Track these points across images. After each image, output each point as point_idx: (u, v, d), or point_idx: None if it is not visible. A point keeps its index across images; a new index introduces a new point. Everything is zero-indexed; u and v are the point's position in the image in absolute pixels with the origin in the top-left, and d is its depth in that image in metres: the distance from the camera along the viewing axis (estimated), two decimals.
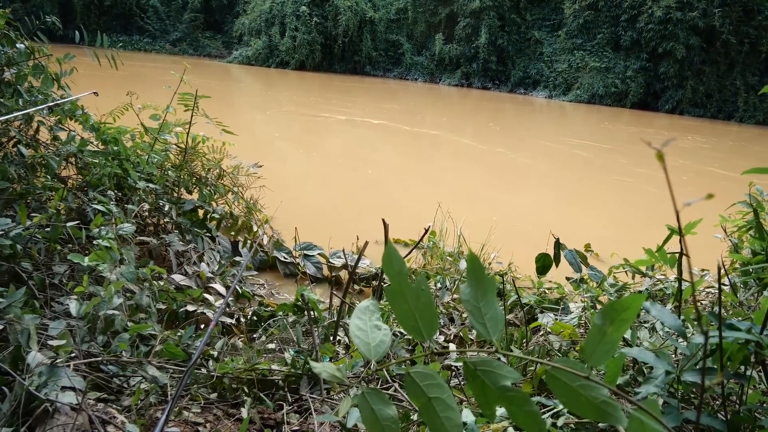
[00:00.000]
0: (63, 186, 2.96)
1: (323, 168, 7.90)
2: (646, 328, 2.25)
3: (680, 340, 1.43)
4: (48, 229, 2.44)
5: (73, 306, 2.00)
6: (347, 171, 7.76)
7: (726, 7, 19.93)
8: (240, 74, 23.57)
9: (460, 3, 25.25)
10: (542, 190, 7.88)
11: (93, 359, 1.81)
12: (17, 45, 3.16)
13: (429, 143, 11.15)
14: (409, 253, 3.13)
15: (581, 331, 2.40)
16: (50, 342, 1.78)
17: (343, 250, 3.46)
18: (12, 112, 2.90)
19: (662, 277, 2.88)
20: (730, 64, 20.88)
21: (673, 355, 1.87)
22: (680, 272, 1.71)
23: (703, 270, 3.26)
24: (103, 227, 2.33)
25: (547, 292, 3.13)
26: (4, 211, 2.68)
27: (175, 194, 3.47)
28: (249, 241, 3.68)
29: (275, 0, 26.52)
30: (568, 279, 3.17)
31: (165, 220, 3.22)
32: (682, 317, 1.73)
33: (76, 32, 3.23)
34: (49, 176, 2.97)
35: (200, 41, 31.24)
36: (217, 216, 3.56)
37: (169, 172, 3.45)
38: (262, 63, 26.82)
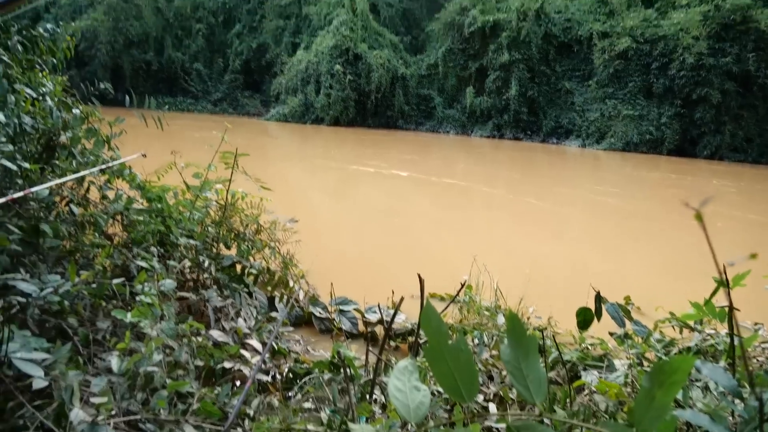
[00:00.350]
0: (109, 243, 3.08)
1: (357, 220, 7.98)
2: (698, 387, 2.13)
3: (736, 401, 1.35)
4: (94, 285, 2.52)
5: (114, 362, 2.04)
6: (380, 222, 7.81)
7: (760, 51, 19.73)
8: (277, 131, 24.45)
9: (489, 57, 25.83)
10: (578, 240, 7.73)
11: (132, 417, 1.83)
12: (73, 111, 3.39)
13: (461, 194, 11.17)
14: (446, 308, 3.09)
15: (628, 390, 2.29)
16: (92, 399, 1.80)
17: (379, 305, 3.44)
18: (66, 173, 3.07)
19: (712, 331, 2.75)
20: None
21: (731, 418, 1.76)
22: (731, 327, 1.64)
23: (756, 324, 3.10)
24: (146, 283, 2.40)
25: (589, 348, 3.02)
26: (55, 267, 2.80)
27: (215, 249, 3.56)
28: (285, 297, 3.71)
29: (311, 60, 27.72)
30: (611, 334, 3.05)
31: (204, 275, 3.29)
32: (737, 376, 1.63)
33: (126, 96, 3.43)
34: (96, 233, 3.10)
35: (240, 100, 32.74)
36: (254, 271, 3.62)
37: (209, 228, 3.56)
38: (299, 120, 27.81)
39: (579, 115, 24.16)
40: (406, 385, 0.70)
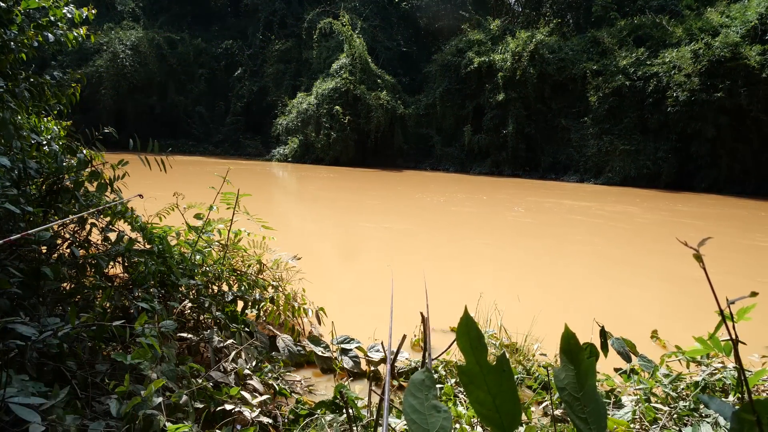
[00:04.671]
0: (110, 285, 3.08)
1: (359, 258, 7.97)
2: (708, 423, 2.09)
3: None
4: (94, 327, 2.50)
5: (113, 406, 2.01)
6: (383, 260, 7.80)
7: (751, 86, 20.11)
8: (278, 171, 24.69)
9: (486, 96, 26.34)
10: (580, 275, 7.69)
11: None
12: (78, 155, 3.44)
13: (462, 229, 11.19)
14: (449, 346, 3.06)
15: (636, 427, 2.24)
16: None
17: (382, 343, 3.40)
18: (68, 215, 3.10)
19: (720, 365, 2.71)
20: (763, 140, 20.69)
21: None
22: (738, 361, 1.62)
23: (764, 357, 3.05)
24: (146, 325, 2.38)
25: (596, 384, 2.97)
26: (54, 310, 2.78)
27: (216, 288, 3.54)
28: (287, 336, 3.67)
29: (311, 102, 28.29)
30: (616, 370, 3.01)
31: (205, 315, 3.27)
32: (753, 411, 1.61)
33: (130, 140, 3.49)
34: (97, 275, 3.10)
35: (241, 142, 33.24)
36: (255, 311, 3.60)
37: (210, 267, 3.56)
38: (299, 160, 28.18)
39: (576, 151, 24.45)
40: (424, 405, 0.55)
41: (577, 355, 0.54)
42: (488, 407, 0.51)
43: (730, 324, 1.25)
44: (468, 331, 0.52)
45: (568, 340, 0.55)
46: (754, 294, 0.61)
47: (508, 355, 3.48)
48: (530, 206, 15.32)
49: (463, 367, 0.52)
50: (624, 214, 14.66)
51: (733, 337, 1.23)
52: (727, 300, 1.13)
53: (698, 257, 0.57)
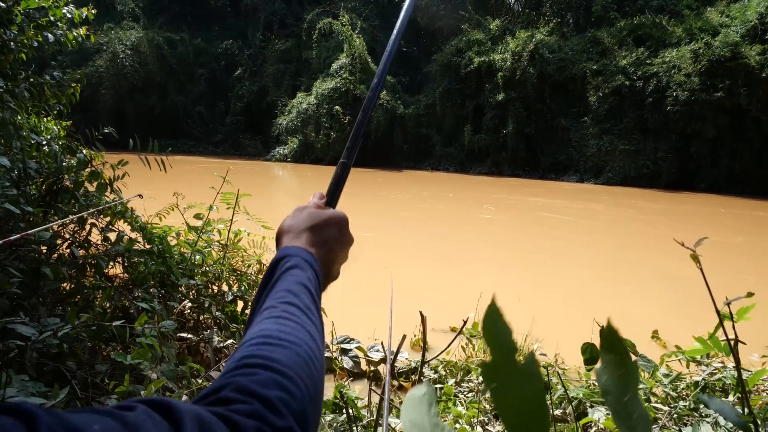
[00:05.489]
0: (110, 285, 3.08)
1: (356, 256, 7.97)
2: (708, 423, 2.08)
3: None
4: (94, 327, 2.50)
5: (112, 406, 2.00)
6: (382, 260, 7.80)
7: (751, 86, 20.10)
8: (278, 171, 24.69)
9: (485, 96, 26.34)
10: (580, 275, 7.69)
11: None
12: (77, 155, 3.44)
13: (462, 229, 11.19)
14: (451, 342, 3.06)
15: None
16: None
17: (381, 343, 3.40)
18: (68, 215, 3.10)
19: (720, 365, 2.71)
20: (763, 140, 20.69)
21: None
22: (737, 361, 1.62)
23: (764, 357, 3.05)
24: (146, 325, 2.38)
25: (596, 384, 2.97)
26: (54, 310, 2.78)
27: (216, 288, 3.54)
28: None
29: (311, 102, 28.29)
30: None
31: (204, 315, 3.27)
32: (746, 410, 1.60)
33: (130, 140, 3.49)
34: (97, 275, 3.10)
35: (241, 142, 33.22)
36: None
37: (210, 268, 3.55)
38: (299, 160, 28.20)
39: (576, 151, 24.44)
40: (426, 421, 0.48)
41: (622, 354, 0.46)
42: (515, 414, 0.43)
43: (729, 324, 1.25)
44: (495, 324, 0.43)
45: (610, 336, 0.45)
46: (750, 294, 0.60)
47: None
48: (529, 206, 15.32)
49: (489, 364, 0.43)
50: (625, 214, 14.67)
51: (732, 336, 1.23)
52: (726, 300, 1.13)
53: (695, 257, 0.57)
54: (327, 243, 0.78)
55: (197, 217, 3.60)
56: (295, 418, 0.47)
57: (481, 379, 3.06)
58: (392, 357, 2.23)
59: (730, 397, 2.37)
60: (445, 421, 2.55)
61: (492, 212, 14.07)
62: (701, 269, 0.57)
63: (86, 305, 2.87)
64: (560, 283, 7.10)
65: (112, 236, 3.30)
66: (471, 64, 26.59)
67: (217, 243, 3.70)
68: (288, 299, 0.61)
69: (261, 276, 3.82)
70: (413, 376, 3.41)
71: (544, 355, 3.81)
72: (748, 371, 2.07)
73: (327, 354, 3.63)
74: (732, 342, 1.30)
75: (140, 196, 3.36)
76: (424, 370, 3.37)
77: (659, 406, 2.41)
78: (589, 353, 2.13)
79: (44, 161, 3.13)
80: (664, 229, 12.17)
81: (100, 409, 0.34)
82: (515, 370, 0.42)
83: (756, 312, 1.74)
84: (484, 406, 2.82)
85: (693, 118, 21.17)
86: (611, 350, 0.47)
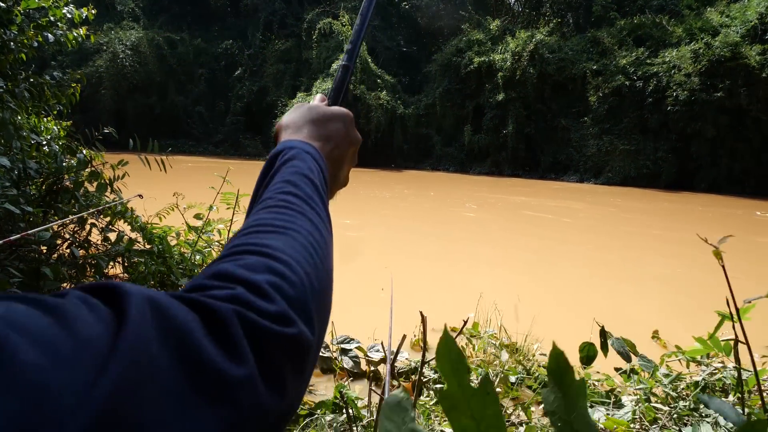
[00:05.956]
0: None
1: (357, 257, 7.96)
2: (708, 423, 2.08)
3: None
4: None
5: None
6: (382, 260, 7.80)
7: (751, 86, 20.10)
8: None
9: (485, 96, 26.35)
10: (581, 275, 7.69)
11: None
12: (77, 155, 3.44)
13: (462, 228, 11.19)
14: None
15: (636, 426, 2.24)
16: None
17: (382, 343, 3.40)
18: (68, 215, 3.10)
19: (720, 365, 2.71)
20: (763, 140, 20.69)
21: None
22: (738, 361, 1.62)
23: (764, 357, 3.05)
24: None
25: (596, 384, 2.97)
26: None
27: None
28: None
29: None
30: (616, 369, 3.01)
31: None
32: (746, 410, 1.60)
33: (130, 140, 3.49)
34: (97, 275, 3.10)
35: (241, 142, 33.20)
36: None
37: None
38: None
39: (576, 151, 24.45)
40: (401, 429, 0.48)
41: (567, 375, 0.49)
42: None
43: (737, 324, 1.24)
44: (449, 353, 0.46)
45: (557, 359, 0.49)
46: None
47: (507, 356, 3.48)
48: (528, 207, 15.33)
49: (445, 391, 0.46)
50: (627, 214, 14.67)
51: (740, 336, 1.23)
52: (745, 300, 1.12)
53: (717, 254, 0.57)
54: (332, 138, 0.69)
55: (197, 217, 3.60)
56: (290, 305, 0.38)
57: (480, 379, 3.06)
58: (392, 357, 2.23)
59: (730, 397, 2.37)
60: (446, 421, 2.55)
61: (492, 212, 14.08)
62: (723, 266, 0.57)
63: None
64: (560, 282, 7.10)
65: (112, 236, 3.31)
66: (471, 64, 26.60)
67: (217, 243, 3.70)
68: (286, 189, 0.53)
69: None
70: (413, 376, 3.41)
71: (544, 355, 3.81)
72: (748, 371, 2.07)
73: (327, 354, 3.63)
74: (739, 342, 1.30)
75: (140, 196, 3.36)
76: (424, 370, 3.37)
77: (659, 406, 2.41)
78: (586, 352, 2.13)
79: (44, 161, 3.13)
80: (663, 229, 12.18)
81: (24, 295, 0.26)
82: (471, 393, 0.45)
83: (756, 312, 1.74)
84: None
85: (693, 118, 21.17)
86: (556, 373, 0.49)
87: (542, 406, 2.97)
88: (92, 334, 0.25)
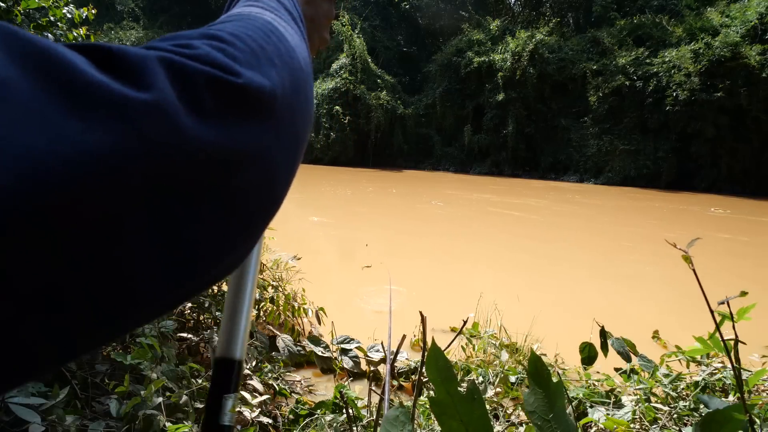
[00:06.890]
0: None
1: (358, 258, 7.96)
2: None
3: None
4: None
5: (112, 406, 2.01)
6: (382, 260, 7.80)
7: (751, 86, 20.11)
8: None
9: (486, 96, 26.36)
10: (581, 274, 7.69)
11: None
12: None
13: (461, 230, 11.19)
14: (450, 344, 3.06)
15: (636, 426, 2.24)
16: None
17: (382, 343, 3.40)
18: None
19: (720, 365, 2.71)
20: (763, 140, 20.70)
21: None
22: (737, 361, 1.62)
23: (764, 357, 3.05)
24: (146, 325, 2.38)
25: (596, 384, 2.97)
26: None
27: (216, 288, 3.54)
28: (286, 336, 3.67)
29: None
30: (616, 370, 3.01)
31: (204, 315, 3.27)
32: (746, 411, 1.60)
33: None
34: None
35: None
36: (254, 311, 3.60)
37: None
38: None
39: (576, 151, 24.47)
40: None
41: (545, 379, 0.54)
42: None
43: (729, 323, 1.25)
44: (437, 362, 0.50)
45: (535, 363, 0.54)
46: (744, 294, 0.61)
47: (507, 356, 3.48)
48: (529, 207, 15.34)
49: (435, 398, 0.50)
50: (626, 214, 14.68)
51: (731, 336, 1.23)
52: (722, 299, 1.13)
53: (687, 258, 0.57)
54: None
55: None
56: (227, 55, 0.32)
57: (480, 379, 3.06)
58: (392, 357, 2.23)
59: (730, 397, 2.37)
60: None
61: (492, 212, 14.09)
62: (694, 270, 0.58)
63: None
64: (560, 282, 7.10)
65: None
66: (471, 64, 26.62)
67: None
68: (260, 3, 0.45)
69: (261, 276, 3.83)
70: (413, 377, 3.41)
71: (545, 355, 3.81)
72: (748, 371, 2.07)
73: (327, 354, 3.63)
74: (732, 342, 1.30)
75: None
76: (423, 370, 3.37)
77: (659, 406, 2.41)
78: (587, 352, 2.13)
79: None
80: (662, 229, 12.18)
81: None
82: (458, 399, 0.49)
83: (756, 312, 1.74)
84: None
85: (693, 118, 21.18)
86: (535, 376, 0.53)
87: None
88: None
